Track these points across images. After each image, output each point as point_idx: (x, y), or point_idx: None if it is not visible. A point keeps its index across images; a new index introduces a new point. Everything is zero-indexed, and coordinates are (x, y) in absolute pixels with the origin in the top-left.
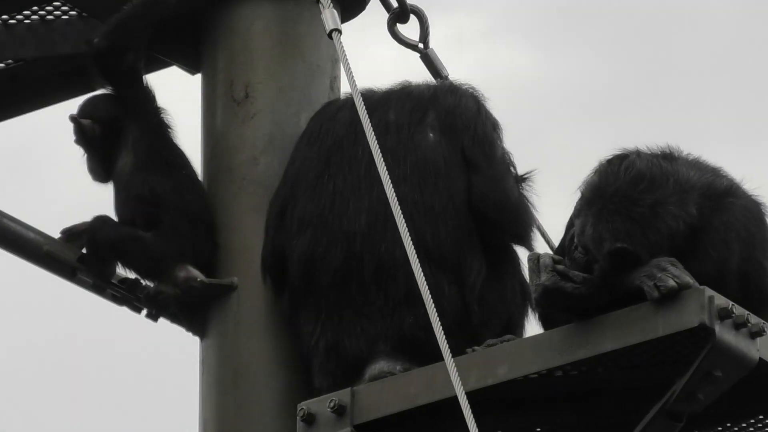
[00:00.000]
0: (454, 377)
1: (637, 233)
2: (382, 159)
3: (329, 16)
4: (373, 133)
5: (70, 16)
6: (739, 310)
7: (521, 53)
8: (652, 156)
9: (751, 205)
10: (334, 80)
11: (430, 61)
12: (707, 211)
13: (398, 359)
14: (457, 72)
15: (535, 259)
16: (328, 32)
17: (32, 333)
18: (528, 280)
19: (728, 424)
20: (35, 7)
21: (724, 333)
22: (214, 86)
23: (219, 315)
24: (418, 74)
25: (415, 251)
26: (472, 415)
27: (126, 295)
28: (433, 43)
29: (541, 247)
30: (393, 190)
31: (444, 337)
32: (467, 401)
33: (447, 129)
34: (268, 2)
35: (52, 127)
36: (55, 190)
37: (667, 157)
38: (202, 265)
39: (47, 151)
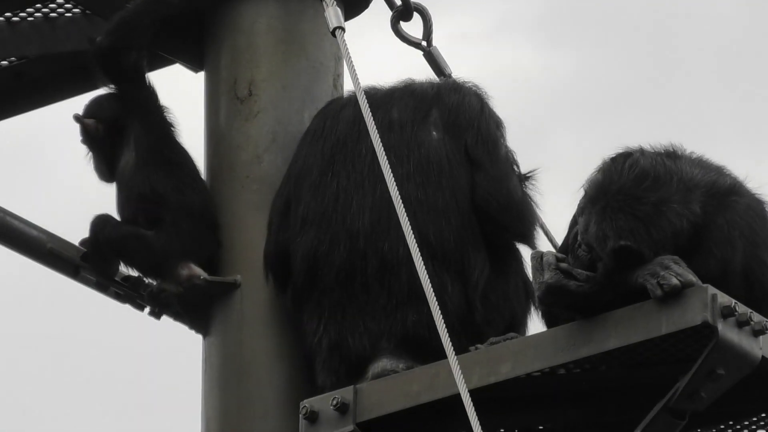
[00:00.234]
0: (457, 375)
1: (640, 231)
2: (385, 157)
3: (332, 14)
4: (376, 131)
5: (74, 13)
6: (742, 308)
7: (525, 52)
8: (655, 154)
9: (755, 203)
10: (338, 78)
11: (433, 59)
12: (711, 209)
13: (401, 357)
14: (461, 70)
15: (538, 257)
16: (331, 30)
17: (33, 330)
18: (531, 278)
19: (731, 422)
20: (39, 5)
21: (727, 331)
22: (217, 84)
23: (222, 313)
24: (422, 72)
25: (418, 249)
26: (475, 413)
27: (129, 293)
28: (437, 41)
29: (544, 245)
30: (396, 188)
31: (447, 335)
32: (470, 399)
33: (450, 127)
34: (271, 0)
35: (56, 124)
36: (58, 187)
37: (671, 156)
38: (205, 263)
39: (51, 149)
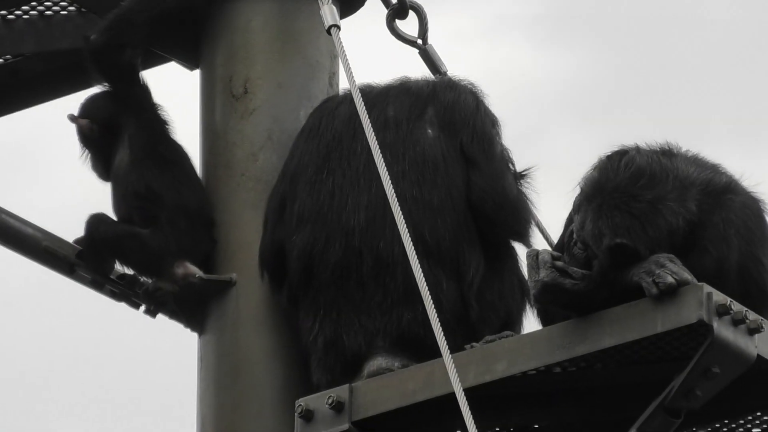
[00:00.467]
0: (453, 373)
1: (636, 229)
2: (380, 155)
3: (328, 12)
4: (371, 128)
5: (69, 11)
6: (737, 306)
7: (521, 50)
8: (651, 152)
9: (751, 201)
10: (333, 76)
11: (428, 57)
12: (707, 207)
13: (397, 355)
14: (456, 68)
15: (533, 256)
16: (327, 28)
17: (27, 329)
18: (527, 277)
19: (726, 421)
20: (34, 3)
21: (723, 329)
22: (212, 82)
23: (217, 311)
24: (417, 70)
25: (413, 247)
26: (470, 412)
27: (124, 291)
28: (432, 39)
29: (539, 243)
30: (392, 186)
31: (442, 333)
32: (465, 397)
33: (446, 125)
34: None
35: (51, 122)
36: (54, 185)
37: (667, 154)
38: (201, 261)
39: (46, 147)
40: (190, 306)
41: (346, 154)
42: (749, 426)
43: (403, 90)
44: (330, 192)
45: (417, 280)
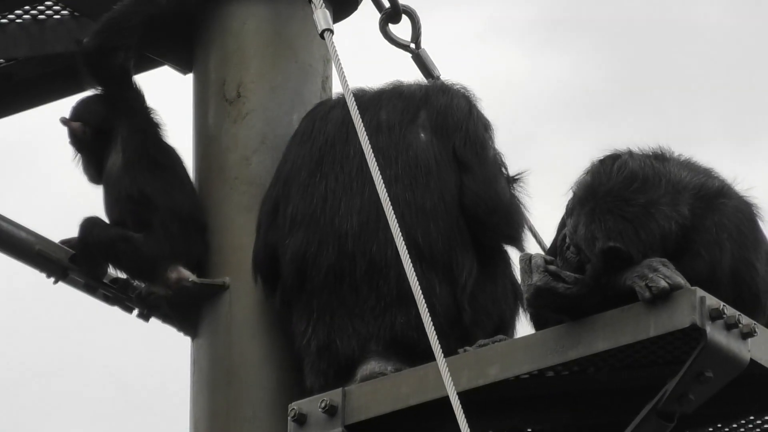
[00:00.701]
0: (446, 377)
1: (629, 233)
2: (373, 159)
3: (321, 16)
4: (365, 132)
5: (63, 15)
6: (730, 310)
7: (514, 55)
8: (644, 156)
9: (743, 205)
10: (326, 80)
11: (421, 61)
12: (699, 211)
13: (390, 359)
14: (449, 73)
15: (526, 260)
16: (320, 32)
17: (22, 331)
18: (520, 281)
19: (719, 425)
20: (27, 7)
21: (716, 333)
22: (206, 86)
23: (211, 315)
24: (410, 74)
25: (406, 251)
26: (463, 416)
27: (117, 295)
28: (425, 43)
29: (532, 247)
30: (385, 189)
31: (436, 336)
32: (459, 401)
33: (438, 129)
34: (260, 2)
35: (44, 126)
36: (47, 189)
37: (660, 158)
38: (194, 265)
39: (39, 151)
40: (183, 310)
41: (339, 158)
42: (742, 430)
43: (395, 94)
44: (323, 196)
45: (411, 283)
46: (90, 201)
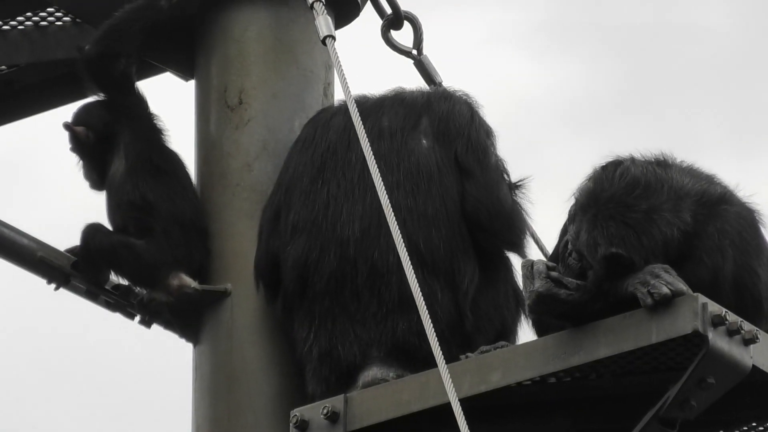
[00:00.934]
0: (448, 384)
1: (631, 239)
2: (375, 165)
3: (323, 22)
4: (366, 139)
5: (64, 22)
6: (732, 317)
7: (516, 62)
8: (646, 163)
9: (745, 212)
10: (328, 86)
11: (423, 67)
12: (701, 218)
13: (391, 365)
14: (451, 79)
15: (528, 266)
16: (322, 38)
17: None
18: (521, 287)
19: (721, 431)
20: (29, 13)
21: (718, 340)
22: (207, 92)
23: (212, 321)
24: (412, 81)
25: (408, 257)
26: (465, 422)
27: (119, 302)
28: (427, 49)
29: (534, 253)
30: (386, 196)
31: (437, 343)
32: (460, 408)
33: (440, 135)
34: (262, 8)
35: (46, 133)
36: (49, 196)
37: (662, 164)
38: (195, 272)
39: (41, 157)
40: (184, 316)
41: (340, 165)
42: None
43: (397, 100)
44: (325, 202)
45: (412, 290)
46: (92, 207)
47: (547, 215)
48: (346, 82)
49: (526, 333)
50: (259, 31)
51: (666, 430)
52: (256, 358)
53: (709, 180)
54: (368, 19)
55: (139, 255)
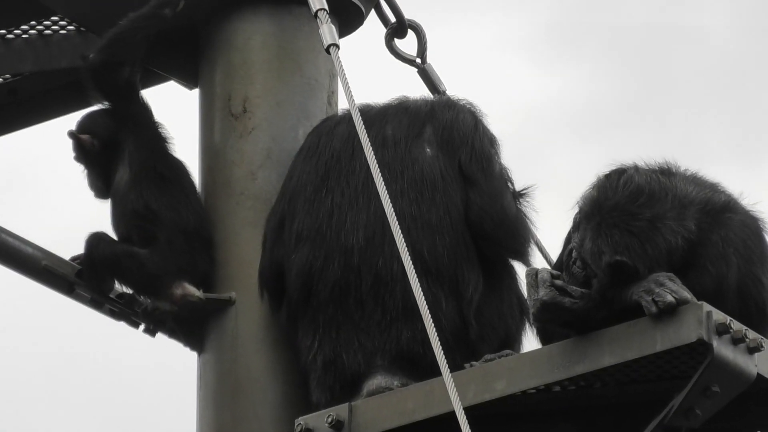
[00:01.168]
0: (452, 392)
1: (636, 247)
2: (379, 173)
3: (327, 31)
4: (370, 147)
5: (68, 30)
6: (737, 325)
7: (520, 70)
8: (650, 171)
9: (750, 220)
10: (332, 95)
11: (427, 76)
12: (705, 226)
13: (396, 374)
14: (456, 87)
15: (533, 274)
16: (325, 47)
17: (29, 346)
18: (526, 295)
19: None
20: (33, 22)
21: (722, 348)
22: (211, 101)
23: (217, 330)
24: (416, 89)
25: (412, 265)
26: (470, 431)
27: (123, 311)
28: (431, 58)
29: (539, 262)
30: (390, 204)
31: (442, 351)
32: (465, 416)
33: (444, 144)
34: (266, 17)
35: (50, 141)
36: (53, 204)
37: (665, 173)
38: (199, 280)
39: (46, 166)
40: (189, 325)
41: (344, 173)
42: None
43: (401, 109)
44: (329, 211)
45: (416, 298)
46: (97, 216)
47: (551, 223)
48: (350, 91)
49: (530, 341)
50: (263, 39)
51: None
52: (261, 366)
53: (713, 188)
54: (372, 28)
55: (143, 264)
